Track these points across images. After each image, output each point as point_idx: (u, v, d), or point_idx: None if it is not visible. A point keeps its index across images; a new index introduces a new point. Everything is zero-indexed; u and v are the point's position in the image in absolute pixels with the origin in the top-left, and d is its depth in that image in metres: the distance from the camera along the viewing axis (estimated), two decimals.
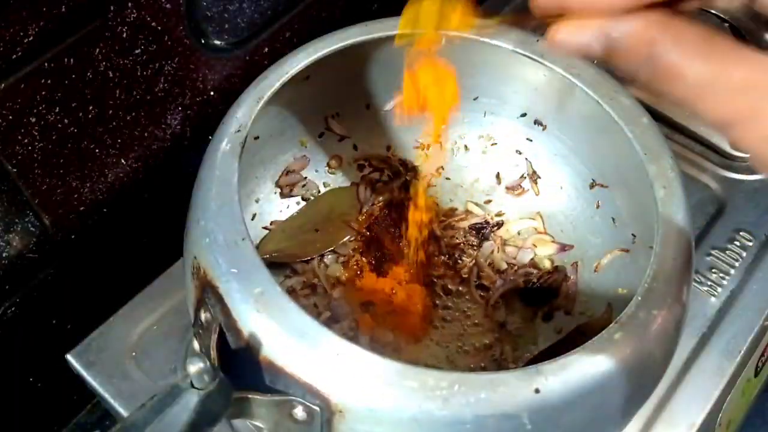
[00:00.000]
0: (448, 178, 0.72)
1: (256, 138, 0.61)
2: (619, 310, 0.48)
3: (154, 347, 0.65)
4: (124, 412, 0.62)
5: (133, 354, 0.64)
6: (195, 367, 0.40)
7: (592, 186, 0.65)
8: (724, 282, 0.70)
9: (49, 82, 0.57)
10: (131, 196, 0.70)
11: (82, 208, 0.66)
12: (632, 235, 0.61)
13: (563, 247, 0.68)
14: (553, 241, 0.68)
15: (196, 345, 0.48)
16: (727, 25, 0.89)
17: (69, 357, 0.64)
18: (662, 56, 0.33)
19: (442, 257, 0.69)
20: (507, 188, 0.71)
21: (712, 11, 0.90)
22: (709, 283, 0.70)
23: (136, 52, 0.62)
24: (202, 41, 0.67)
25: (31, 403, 0.73)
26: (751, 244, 0.73)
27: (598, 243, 0.65)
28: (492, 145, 0.71)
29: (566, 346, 0.46)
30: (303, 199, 0.69)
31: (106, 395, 0.63)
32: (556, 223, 0.69)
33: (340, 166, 0.70)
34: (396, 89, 0.67)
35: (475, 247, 0.70)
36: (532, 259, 0.68)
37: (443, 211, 0.71)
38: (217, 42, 0.69)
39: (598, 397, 0.45)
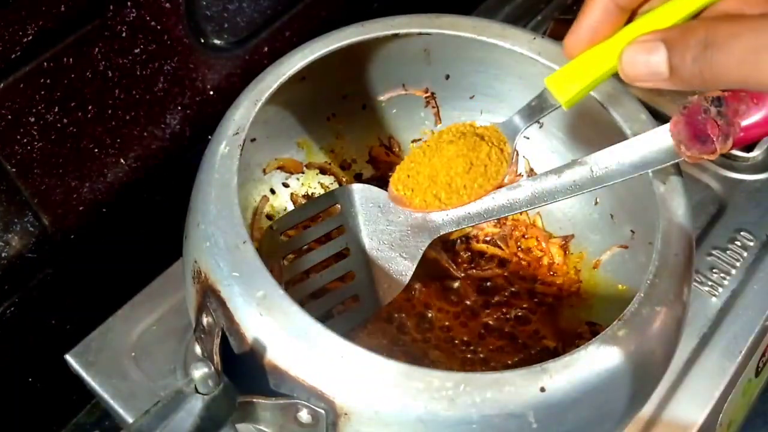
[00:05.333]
0: None
1: (253, 140, 0.60)
2: (618, 307, 0.48)
3: (153, 347, 0.65)
4: (123, 412, 0.62)
5: (133, 354, 0.64)
6: (199, 372, 0.40)
7: None
8: (725, 282, 0.71)
9: (48, 81, 0.56)
10: (130, 195, 0.70)
11: (81, 208, 0.66)
12: (631, 231, 0.61)
13: None
14: (551, 238, 0.68)
15: (198, 349, 0.47)
16: None
17: (68, 357, 0.64)
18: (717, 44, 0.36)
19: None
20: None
21: None
22: (710, 283, 0.70)
23: (136, 51, 0.62)
24: (202, 41, 0.67)
25: (30, 404, 0.73)
26: (752, 243, 0.73)
27: (597, 239, 0.65)
28: None
29: None
30: (304, 197, 0.69)
31: (106, 395, 0.63)
32: (555, 220, 0.69)
33: (336, 167, 0.70)
34: (392, 87, 0.68)
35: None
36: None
37: None
38: (217, 41, 0.69)
39: (603, 394, 0.46)
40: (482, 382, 0.43)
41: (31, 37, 0.53)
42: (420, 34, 0.60)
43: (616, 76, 0.47)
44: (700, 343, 0.67)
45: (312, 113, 0.66)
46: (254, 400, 0.44)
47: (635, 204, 0.59)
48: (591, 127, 0.61)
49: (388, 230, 0.57)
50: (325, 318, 0.52)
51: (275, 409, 0.44)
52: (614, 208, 0.63)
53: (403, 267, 0.56)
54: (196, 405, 0.40)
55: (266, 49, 0.73)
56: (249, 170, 0.64)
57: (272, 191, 0.67)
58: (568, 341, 0.62)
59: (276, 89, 0.55)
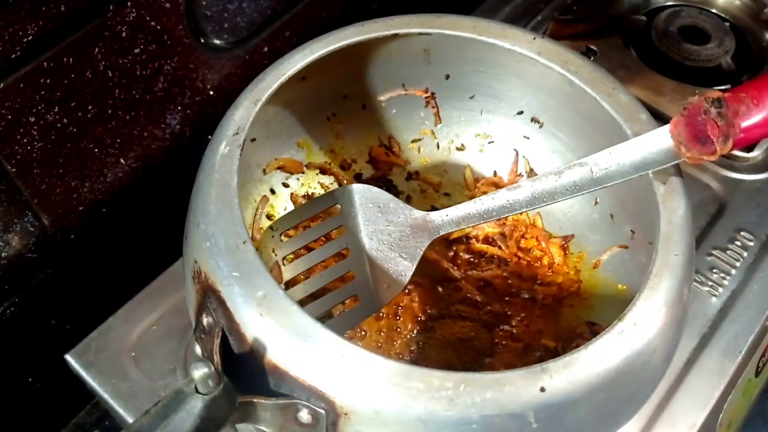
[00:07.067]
0: (446, 174, 0.72)
1: (253, 140, 0.60)
2: (618, 307, 0.48)
3: (153, 347, 0.65)
4: (123, 412, 0.62)
5: (133, 354, 0.64)
6: (200, 372, 0.40)
7: None
8: (725, 282, 0.70)
9: (48, 81, 0.56)
10: (130, 195, 0.69)
11: (81, 208, 0.66)
12: (631, 231, 0.61)
13: None
14: (551, 238, 0.68)
15: (198, 349, 0.47)
16: (728, 24, 0.89)
17: (68, 357, 0.64)
18: None
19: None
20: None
21: (713, 10, 0.90)
22: (710, 283, 0.70)
23: (136, 51, 0.62)
24: (202, 40, 0.67)
25: (31, 404, 0.73)
26: (752, 243, 0.73)
27: (597, 239, 0.65)
28: (489, 143, 0.71)
29: None
30: (304, 197, 0.69)
31: (106, 395, 0.62)
32: (555, 220, 0.69)
33: (336, 167, 0.70)
34: (392, 87, 0.68)
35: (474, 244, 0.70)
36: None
37: None
38: (217, 41, 0.69)
39: (603, 394, 0.45)
40: (482, 382, 0.43)
41: (31, 37, 0.53)
42: (420, 34, 0.60)
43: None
44: (700, 343, 0.67)
45: (312, 113, 0.66)
46: (254, 400, 0.44)
47: (635, 204, 0.59)
48: (591, 128, 0.61)
49: (388, 230, 0.57)
50: (325, 318, 0.52)
51: (275, 409, 0.44)
52: (614, 208, 0.63)
53: (402, 267, 0.56)
54: (196, 405, 0.40)
55: (266, 49, 0.73)
56: (249, 170, 0.64)
57: (272, 191, 0.67)
58: (568, 341, 0.62)
59: (276, 89, 0.55)
